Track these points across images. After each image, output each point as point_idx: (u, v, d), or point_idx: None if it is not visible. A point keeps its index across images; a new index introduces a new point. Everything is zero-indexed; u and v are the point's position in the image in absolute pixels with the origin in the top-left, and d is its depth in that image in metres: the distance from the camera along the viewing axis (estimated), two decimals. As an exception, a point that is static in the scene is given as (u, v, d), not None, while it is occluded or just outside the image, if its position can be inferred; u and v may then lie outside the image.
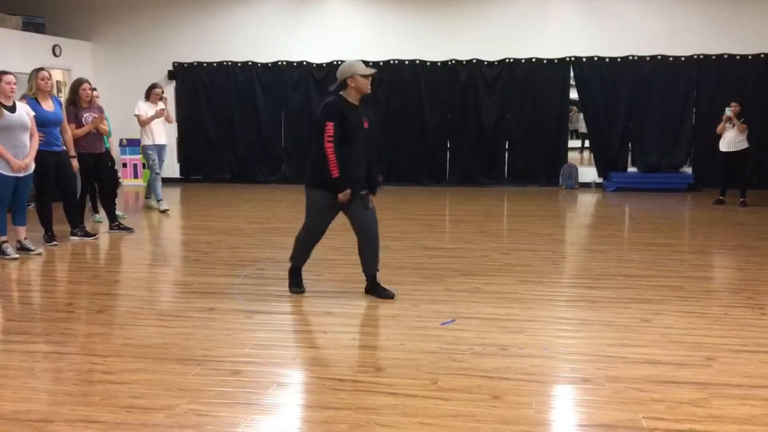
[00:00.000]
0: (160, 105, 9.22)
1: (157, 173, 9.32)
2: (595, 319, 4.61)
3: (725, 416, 3.13)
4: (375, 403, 3.28)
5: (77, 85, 7.75)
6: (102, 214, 8.31)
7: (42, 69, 7.03)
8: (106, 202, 8.08)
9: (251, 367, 3.77)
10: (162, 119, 9.23)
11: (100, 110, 7.90)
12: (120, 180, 9.85)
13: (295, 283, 5.25)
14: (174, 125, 11.65)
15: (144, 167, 12.91)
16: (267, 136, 13.16)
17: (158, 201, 9.41)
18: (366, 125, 4.92)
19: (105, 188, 8.07)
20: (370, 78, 4.87)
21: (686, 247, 7.40)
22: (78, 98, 7.64)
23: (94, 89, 8.63)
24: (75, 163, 7.32)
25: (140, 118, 9.13)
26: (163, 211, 9.27)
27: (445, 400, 3.31)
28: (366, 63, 14.89)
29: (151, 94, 9.27)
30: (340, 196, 4.79)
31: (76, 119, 7.51)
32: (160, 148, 9.36)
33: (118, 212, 8.34)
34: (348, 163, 4.79)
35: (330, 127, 4.72)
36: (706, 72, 11.94)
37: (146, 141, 9.24)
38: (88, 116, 7.63)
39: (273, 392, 3.46)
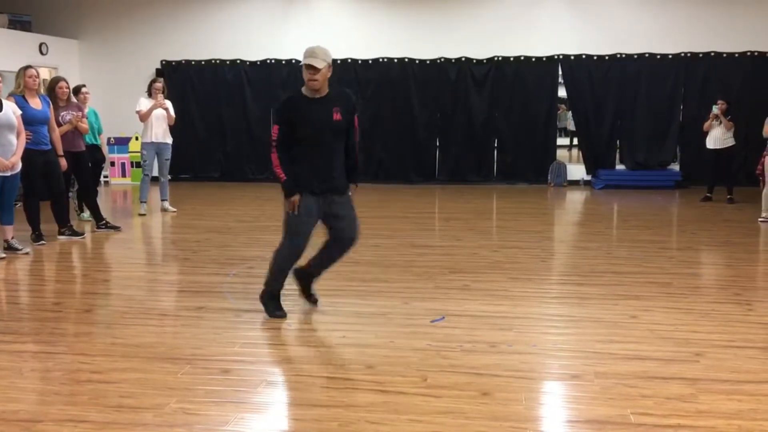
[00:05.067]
0: (160, 98, 8.93)
1: (147, 174, 9.15)
2: (583, 316, 4.63)
3: (713, 411, 3.15)
4: (365, 400, 3.29)
5: (54, 83, 7.70)
6: (88, 213, 8.25)
7: (30, 67, 6.98)
8: (89, 201, 8.04)
9: (241, 365, 3.76)
10: (163, 117, 8.99)
11: (79, 108, 7.85)
12: (101, 179, 9.69)
13: (276, 306, 4.63)
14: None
15: (132, 165, 12.89)
16: (256, 134, 13.11)
17: (141, 202, 9.15)
18: (337, 117, 4.30)
19: (84, 187, 8.02)
20: (308, 68, 4.22)
21: (674, 243, 7.44)
22: (55, 97, 7.57)
23: (83, 86, 8.60)
24: (63, 162, 7.27)
25: (139, 113, 8.90)
26: (141, 215, 9.04)
27: (434, 397, 3.32)
28: (354, 61, 14.74)
29: (152, 89, 9.00)
30: (287, 203, 4.34)
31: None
32: (160, 147, 9.03)
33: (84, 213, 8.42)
34: (311, 166, 4.31)
35: (275, 130, 4.28)
36: (694, 70, 12.01)
37: (144, 138, 9.05)
38: (65, 115, 7.58)
39: (262, 391, 3.45)
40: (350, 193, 4.55)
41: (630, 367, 3.67)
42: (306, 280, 4.80)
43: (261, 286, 5.42)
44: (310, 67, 4.22)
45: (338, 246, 4.61)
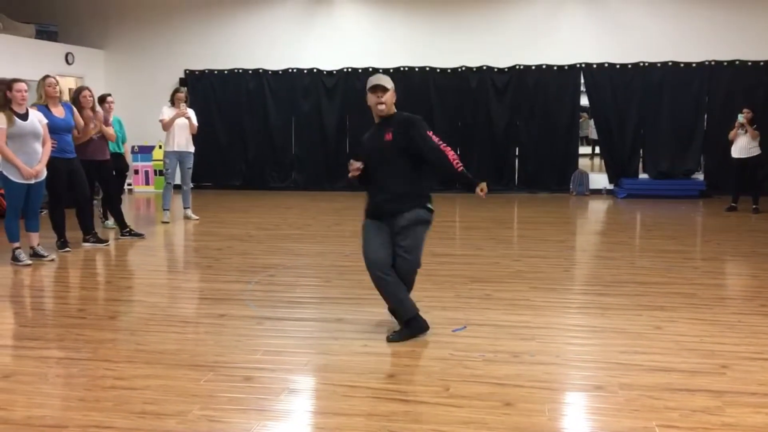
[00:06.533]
0: (182, 107, 9.01)
1: (169, 182, 9.24)
2: (607, 326, 4.59)
3: (739, 424, 3.11)
4: (387, 409, 3.28)
5: (77, 92, 7.81)
6: (113, 221, 8.33)
7: (48, 76, 7.07)
8: (113, 209, 8.12)
9: (263, 373, 3.77)
10: (186, 126, 9.06)
11: (104, 118, 7.92)
12: (124, 187, 9.79)
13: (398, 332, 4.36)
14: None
15: (156, 173, 13.01)
16: (277, 142, 13.21)
17: (164, 210, 9.26)
18: (388, 137, 4.23)
19: (109, 195, 8.11)
20: (374, 91, 4.22)
21: (698, 254, 7.36)
22: (79, 106, 7.66)
23: (109, 95, 8.70)
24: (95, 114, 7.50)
25: (162, 122, 8.98)
26: (164, 222, 9.16)
27: (457, 407, 3.30)
28: (376, 70, 14.80)
29: (175, 98, 9.07)
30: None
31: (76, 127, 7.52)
32: (182, 156, 9.10)
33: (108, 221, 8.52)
34: (369, 188, 4.37)
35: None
36: (718, 78, 11.90)
37: (167, 147, 9.14)
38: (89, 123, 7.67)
39: (285, 398, 3.46)
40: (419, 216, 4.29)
41: (655, 379, 3.63)
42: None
43: (282, 294, 5.47)
44: (377, 88, 4.23)
45: (399, 272, 4.37)
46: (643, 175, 12.43)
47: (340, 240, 7.90)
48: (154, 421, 3.15)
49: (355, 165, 4.28)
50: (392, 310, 4.46)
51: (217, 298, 5.39)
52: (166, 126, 8.97)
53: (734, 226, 8.96)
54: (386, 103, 4.25)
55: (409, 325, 4.35)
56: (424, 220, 4.32)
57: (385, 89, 4.23)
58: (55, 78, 7.11)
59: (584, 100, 12.78)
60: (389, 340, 4.29)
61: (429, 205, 4.36)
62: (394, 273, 4.30)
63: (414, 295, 5.26)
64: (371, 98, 4.25)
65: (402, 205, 4.25)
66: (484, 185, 4.25)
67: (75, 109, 7.30)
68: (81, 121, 7.31)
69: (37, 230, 6.77)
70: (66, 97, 8.29)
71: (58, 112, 6.99)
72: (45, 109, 6.84)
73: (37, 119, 6.48)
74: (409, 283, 4.45)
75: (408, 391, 3.50)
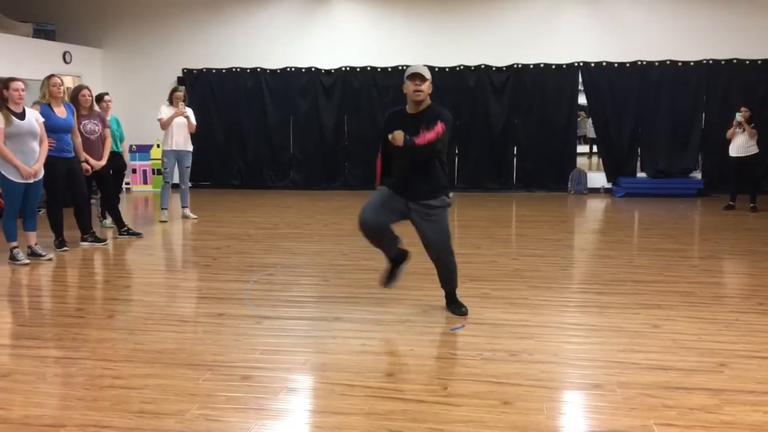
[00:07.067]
0: (181, 106, 9.00)
1: (167, 181, 9.23)
2: (605, 325, 4.60)
3: (737, 423, 3.11)
4: (385, 408, 3.28)
5: (77, 91, 7.79)
6: (110, 220, 8.33)
7: (54, 76, 7.08)
8: (111, 208, 8.11)
9: (261, 372, 3.77)
10: (184, 125, 9.04)
11: (101, 118, 7.91)
12: (122, 186, 9.78)
13: (385, 276, 4.89)
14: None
15: (153, 172, 13.00)
16: (275, 142, 13.19)
17: (162, 209, 9.25)
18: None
19: (107, 194, 8.10)
20: (413, 79, 4.40)
21: (696, 252, 7.37)
22: (78, 105, 7.65)
23: (106, 94, 8.70)
24: (86, 166, 7.37)
25: (160, 121, 8.96)
26: (162, 221, 9.14)
27: (455, 405, 3.31)
28: (374, 69, 14.74)
29: (173, 97, 9.07)
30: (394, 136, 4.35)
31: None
32: (180, 155, 9.08)
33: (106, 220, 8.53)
34: (398, 171, 4.59)
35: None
36: (716, 77, 11.89)
37: (165, 146, 9.13)
38: (87, 123, 7.66)
39: (283, 397, 3.46)
40: (442, 204, 4.65)
41: (653, 377, 3.63)
42: (446, 299, 4.97)
43: (280, 293, 5.47)
44: (416, 76, 4.41)
45: (432, 259, 4.79)
46: (641, 174, 12.43)
47: (338, 239, 7.90)
48: (152, 421, 3.16)
49: (401, 135, 4.35)
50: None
51: (216, 298, 5.38)
52: (165, 125, 8.95)
53: (732, 224, 8.97)
54: (424, 91, 4.43)
55: (394, 263, 4.81)
56: (447, 205, 4.68)
57: (423, 78, 4.42)
58: (60, 78, 7.12)
59: (582, 99, 12.78)
60: (385, 285, 4.71)
61: (448, 192, 4.72)
62: (385, 233, 4.66)
63: (412, 293, 5.29)
64: (409, 86, 4.43)
65: (429, 190, 4.58)
66: (395, 133, 4.35)
67: (75, 111, 7.30)
68: (78, 138, 7.34)
69: (35, 229, 6.76)
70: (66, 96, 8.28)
71: (60, 111, 6.99)
72: (47, 107, 6.85)
73: (34, 118, 6.47)
74: (451, 264, 4.80)
75: (406, 389, 3.51)
